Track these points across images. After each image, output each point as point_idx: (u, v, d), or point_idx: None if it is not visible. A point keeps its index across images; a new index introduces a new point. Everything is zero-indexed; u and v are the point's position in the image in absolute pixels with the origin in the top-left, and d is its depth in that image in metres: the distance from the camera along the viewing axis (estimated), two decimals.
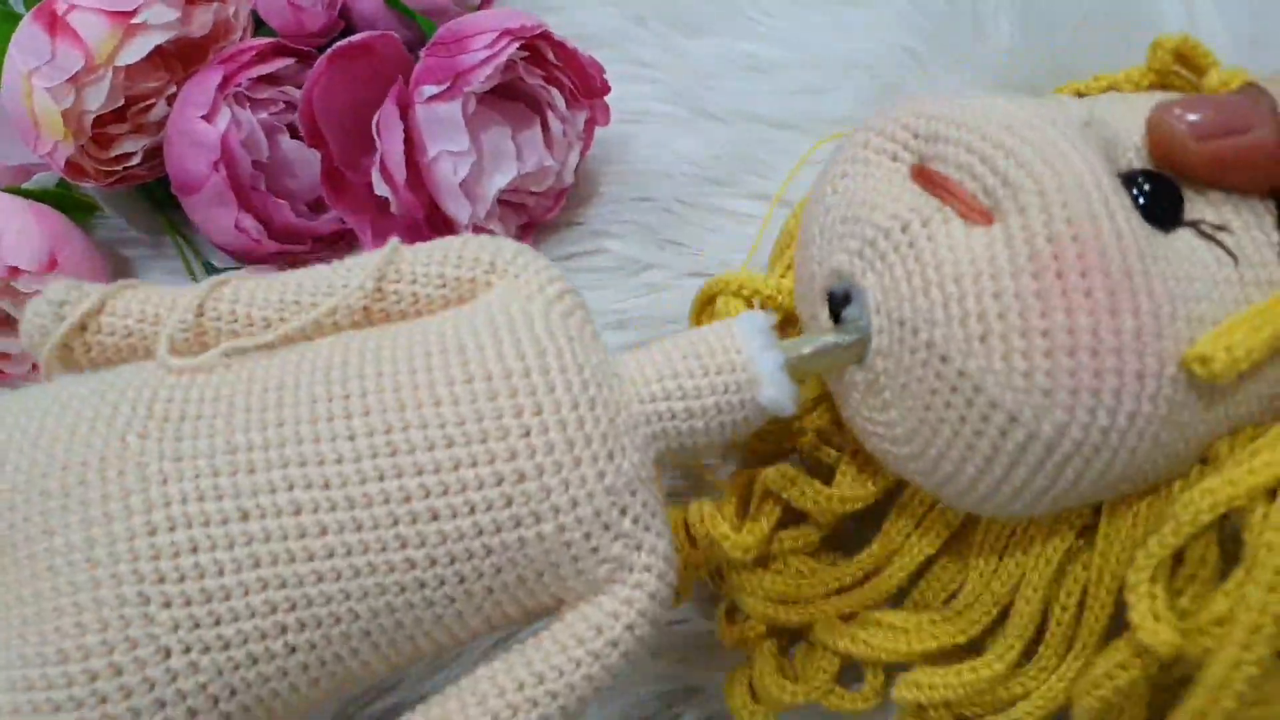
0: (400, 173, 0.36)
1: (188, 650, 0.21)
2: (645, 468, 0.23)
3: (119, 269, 0.42)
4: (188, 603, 0.21)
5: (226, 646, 0.21)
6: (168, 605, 0.21)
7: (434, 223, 0.39)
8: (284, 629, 0.21)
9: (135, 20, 0.35)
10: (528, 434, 0.22)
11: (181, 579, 0.21)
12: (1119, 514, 0.25)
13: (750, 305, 0.32)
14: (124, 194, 0.42)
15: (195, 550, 0.21)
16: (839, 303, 0.26)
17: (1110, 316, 0.21)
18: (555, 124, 0.39)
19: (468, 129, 0.36)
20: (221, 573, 0.21)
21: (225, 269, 0.40)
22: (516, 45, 0.37)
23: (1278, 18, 0.46)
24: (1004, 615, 0.27)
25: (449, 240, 0.26)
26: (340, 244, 0.42)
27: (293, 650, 0.21)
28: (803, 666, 0.30)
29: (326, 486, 0.22)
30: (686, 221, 0.42)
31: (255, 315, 0.25)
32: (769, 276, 0.33)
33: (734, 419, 0.24)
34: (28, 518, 0.22)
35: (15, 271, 0.36)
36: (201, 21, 0.37)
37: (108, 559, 0.21)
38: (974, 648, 0.27)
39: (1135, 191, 0.24)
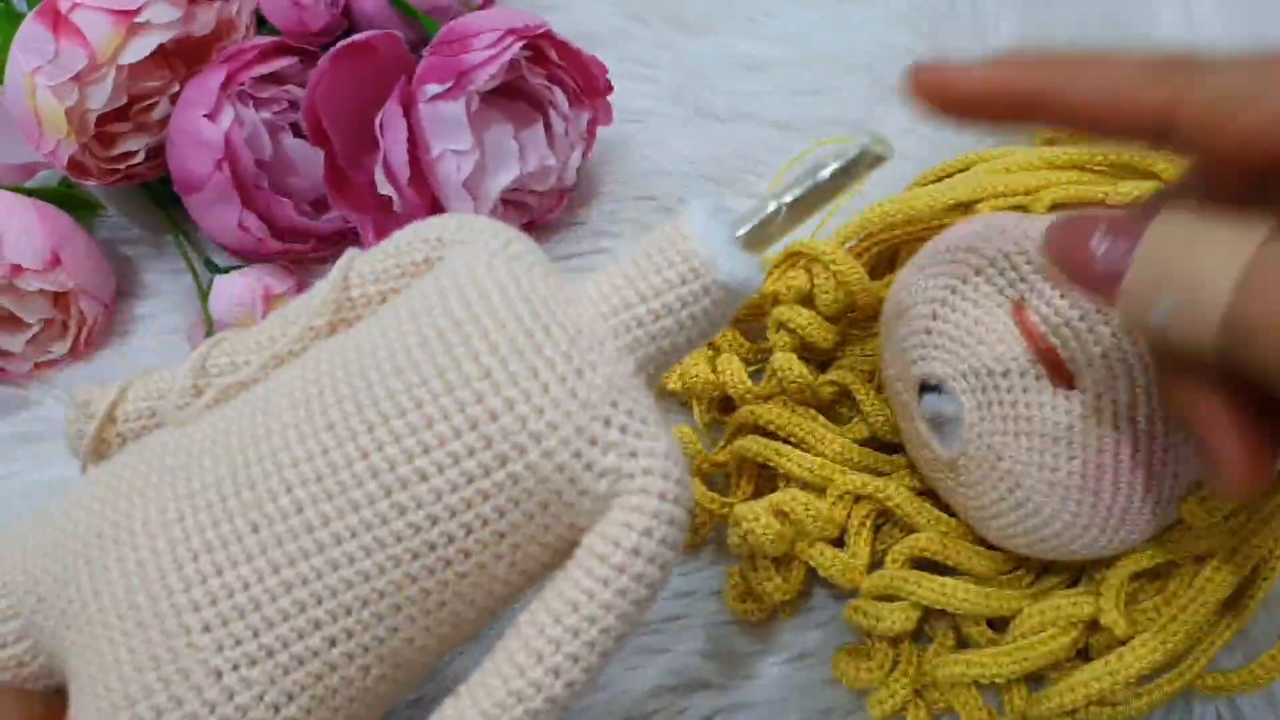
0: (403, 172, 0.36)
1: (236, 667, 0.22)
2: (620, 377, 0.23)
3: (121, 268, 0.42)
4: (224, 622, 0.22)
5: (271, 654, 0.22)
6: (207, 629, 0.22)
7: None
8: (318, 624, 0.22)
9: (138, 19, 0.35)
10: (488, 374, 0.22)
11: (214, 602, 0.22)
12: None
13: (833, 279, 0.35)
14: (127, 192, 0.42)
15: (220, 572, 0.22)
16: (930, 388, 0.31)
17: (1144, 488, 0.29)
18: (558, 123, 0.39)
19: (471, 128, 0.36)
20: (247, 586, 0.22)
21: (227, 267, 0.40)
22: (519, 44, 0.37)
23: (1277, 18, 0.46)
24: None
25: (399, 232, 0.27)
26: (343, 243, 0.42)
27: (333, 643, 0.22)
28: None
29: (319, 479, 0.22)
30: None
31: (254, 360, 0.27)
32: (857, 262, 0.35)
33: (702, 308, 0.24)
34: (79, 587, 0.23)
35: (18, 269, 0.36)
36: (204, 20, 0.37)
37: (146, 602, 0.22)
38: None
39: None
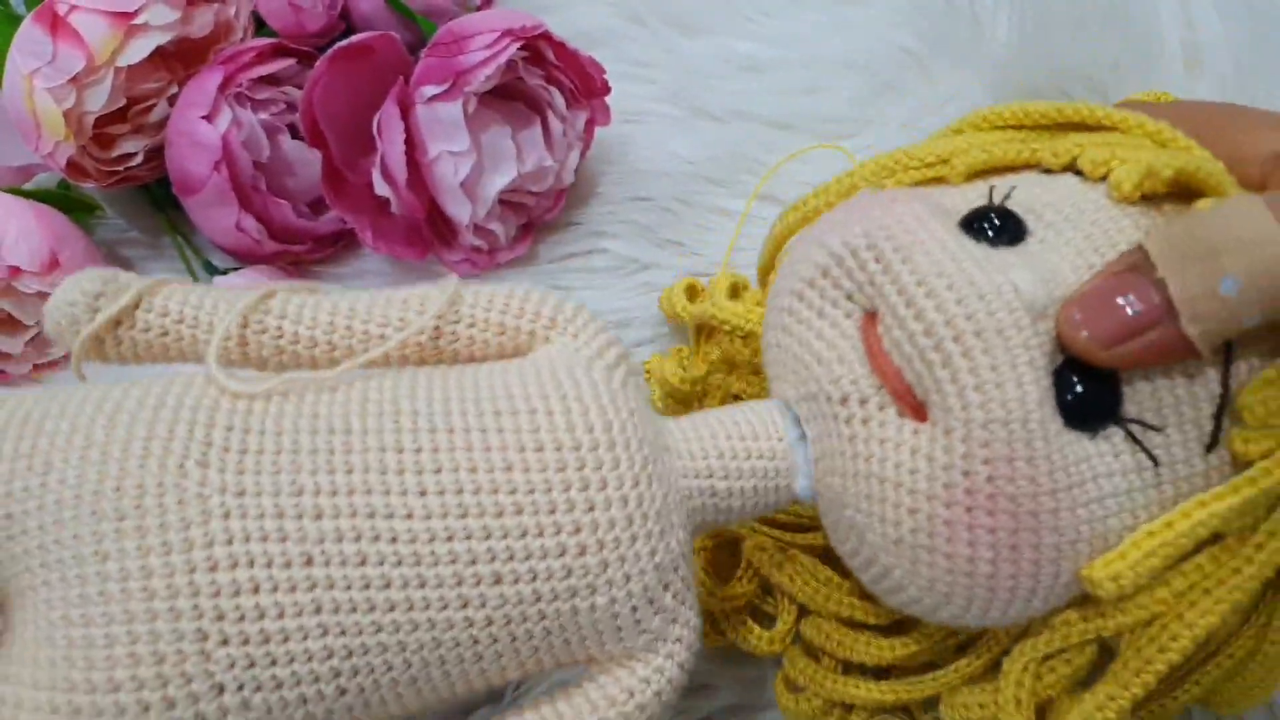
0: (401, 173, 0.36)
1: (241, 688, 0.21)
2: (688, 544, 0.24)
3: (120, 269, 0.42)
4: (246, 641, 0.21)
5: (279, 686, 0.21)
6: (225, 643, 0.21)
7: (434, 223, 0.39)
8: (338, 674, 0.21)
9: (136, 21, 0.35)
10: (592, 509, 0.22)
11: (241, 618, 0.21)
12: None
13: (739, 339, 0.34)
14: (125, 194, 0.42)
15: (257, 590, 0.21)
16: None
17: (1011, 553, 0.22)
18: (555, 124, 0.39)
19: (468, 129, 0.37)
20: (282, 615, 0.21)
21: (226, 269, 0.40)
22: (517, 45, 0.37)
23: (1276, 17, 0.46)
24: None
25: (508, 288, 0.27)
26: (340, 244, 0.42)
27: (342, 693, 0.22)
28: None
29: (394, 540, 0.22)
30: (685, 221, 0.42)
31: (303, 334, 0.25)
32: (752, 309, 0.33)
33: (767, 502, 0.25)
34: (77, 535, 0.21)
35: (16, 272, 0.36)
36: (202, 22, 0.38)
37: (165, 591, 0.21)
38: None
39: (1068, 393, 0.22)
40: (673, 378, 0.35)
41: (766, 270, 0.33)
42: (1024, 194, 0.26)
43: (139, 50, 0.35)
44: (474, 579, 0.22)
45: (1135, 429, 0.23)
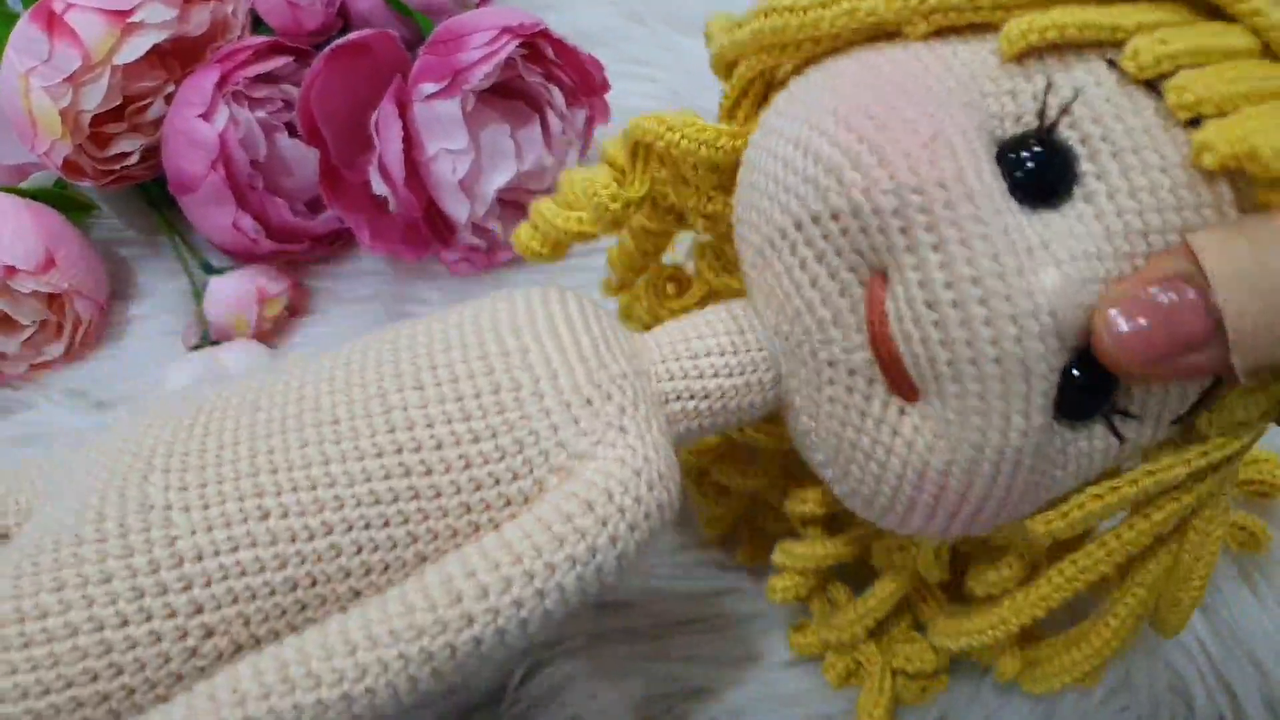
0: (399, 171, 0.36)
1: (189, 587, 0.21)
2: (645, 389, 0.23)
3: (116, 269, 0.42)
4: (195, 531, 0.21)
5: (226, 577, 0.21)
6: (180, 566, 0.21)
7: (432, 221, 0.39)
8: (294, 584, 0.21)
9: (133, 19, 0.35)
10: (507, 354, 0.23)
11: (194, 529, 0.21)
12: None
13: (690, 186, 0.27)
14: (121, 193, 0.42)
15: (206, 507, 0.22)
16: None
17: (971, 523, 0.23)
18: (555, 122, 0.39)
19: (466, 127, 0.36)
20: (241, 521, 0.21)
21: (222, 268, 0.40)
22: (515, 43, 0.36)
23: None
24: None
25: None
26: (338, 243, 0.42)
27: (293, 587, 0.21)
28: None
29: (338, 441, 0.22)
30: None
31: None
32: (707, 126, 0.26)
33: (751, 403, 0.25)
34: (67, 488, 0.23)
35: (12, 271, 0.36)
36: (199, 20, 0.37)
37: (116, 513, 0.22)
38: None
39: (1067, 392, 0.21)
40: (604, 192, 0.27)
41: (726, 67, 0.26)
42: (1083, 109, 0.21)
43: (136, 48, 0.35)
44: (405, 422, 0.22)
45: (1117, 419, 0.22)
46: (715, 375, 0.24)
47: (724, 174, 0.26)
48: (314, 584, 0.21)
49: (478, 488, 0.22)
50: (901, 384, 0.21)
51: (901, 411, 0.22)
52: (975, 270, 0.20)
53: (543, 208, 0.28)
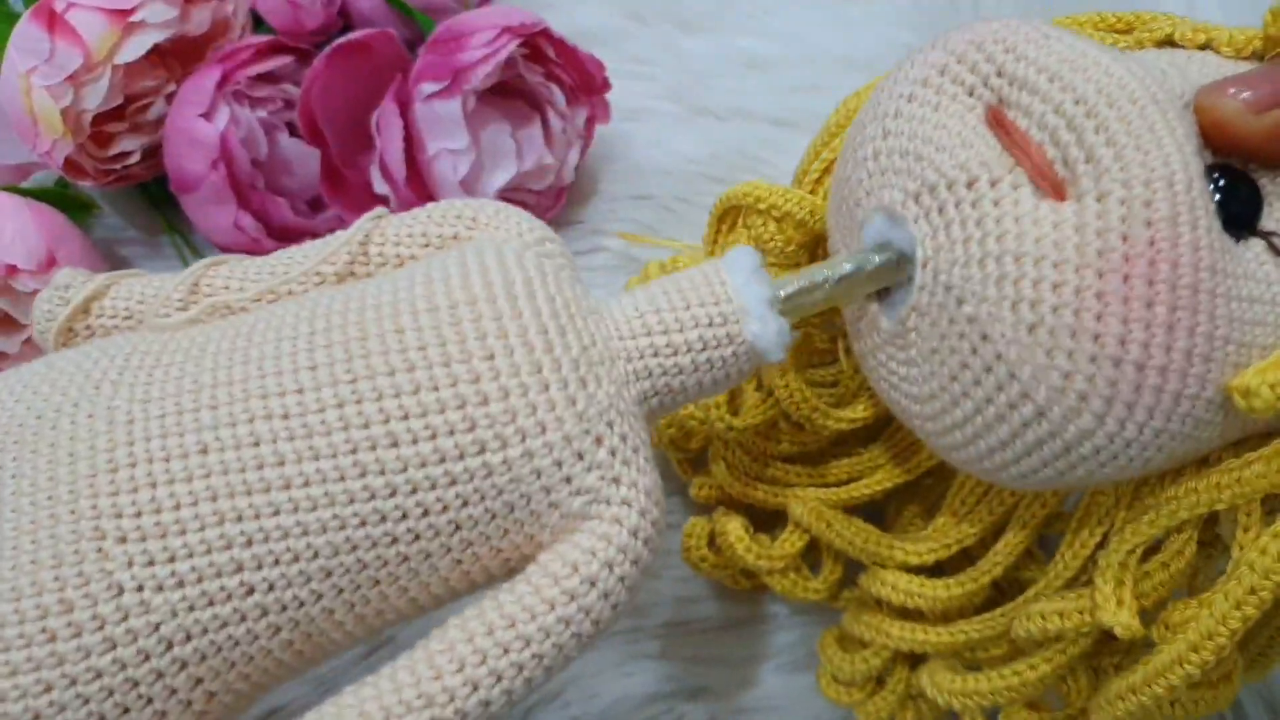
0: (400, 171, 0.36)
1: (140, 588, 0.20)
2: (623, 400, 0.22)
3: (117, 268, 0.41)
4: (143, 537, 0.20)
5: (181, 585, 0.20)
6: (123, 540, 0.20)
7: None
8: (240, 566, 0.20)
9: (134, 18, 0.35)
10: (492, 357, 0.21)
11: (138, 514, 0.20)
12: (1102, 491, 0.25)
13: (773, 223, 0.30)
14: (122, 193, 0.42)
15: (154, 485, 0.21)
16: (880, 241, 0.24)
17: (1166, 334, 0.20)
18: (555, 121, 0.39)
19: (467, 127, 0.36)
20: (178, 506, 0.20)
21: None
22: (516, 42, 0.36)
23: None
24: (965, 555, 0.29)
25: (433, 204, 0.26)
26: None
27: (250, 591, 0.21)
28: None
29: (285, 416, 0.21)
30: (686, 219, 0.42)
31: (248, 287, 0.26)
32: (795, 190, 0.30)
33: (720, 356, 0.23)
34: (1, 466, 0.22)
35: (13, 270, 0.36)
36: (200, 20, 0.37)
37: (67, 496, 0.21)
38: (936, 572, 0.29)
39: (1214, 189, 0.21)
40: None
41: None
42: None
43: (137, 48, 0.35)
44: (368, 443, 0.21)
45: (1277, 241, 0.22)
46: (689, 350, 0.23)
47: None
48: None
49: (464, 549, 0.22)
50: (1050, 179, 0.21)
51: (1056, 208, 0.21)
52: (1085, 52, 0.22)
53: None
